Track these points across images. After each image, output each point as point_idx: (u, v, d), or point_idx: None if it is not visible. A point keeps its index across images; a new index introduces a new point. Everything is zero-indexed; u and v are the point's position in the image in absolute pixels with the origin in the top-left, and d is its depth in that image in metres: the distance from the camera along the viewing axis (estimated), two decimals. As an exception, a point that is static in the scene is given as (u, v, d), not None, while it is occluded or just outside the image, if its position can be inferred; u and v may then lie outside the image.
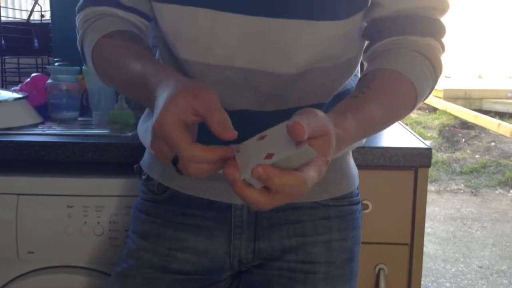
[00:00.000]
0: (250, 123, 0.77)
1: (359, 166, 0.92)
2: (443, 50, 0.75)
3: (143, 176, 0.88)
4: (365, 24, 0.77)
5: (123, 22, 0.77)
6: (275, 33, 0.71)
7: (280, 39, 0.72)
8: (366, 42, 0.79)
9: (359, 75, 0.87)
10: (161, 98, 0.58)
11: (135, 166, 0.91)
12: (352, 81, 0.83)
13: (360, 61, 0.81)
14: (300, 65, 0.74)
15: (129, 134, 1.12)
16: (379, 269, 1.12)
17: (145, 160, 0.89)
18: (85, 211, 1.05)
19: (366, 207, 1.09)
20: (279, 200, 0.54)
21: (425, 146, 1.07)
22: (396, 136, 1.17)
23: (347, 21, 0.73)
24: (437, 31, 0.74)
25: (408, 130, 1.24)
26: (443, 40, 0.75)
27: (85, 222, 1.05)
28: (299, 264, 0.82)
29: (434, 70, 0.74)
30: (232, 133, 0.56)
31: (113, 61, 0.73)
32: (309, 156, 0.54)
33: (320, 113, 0.57)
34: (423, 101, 0.76)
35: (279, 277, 0.83)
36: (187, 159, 0.55)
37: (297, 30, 0.71)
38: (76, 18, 0.80)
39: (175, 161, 0.58)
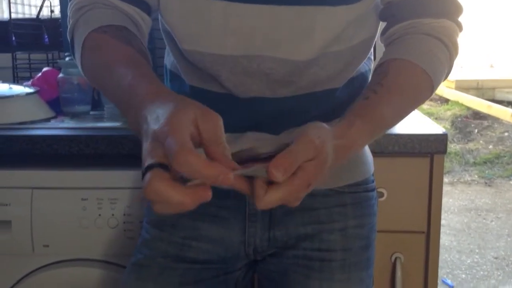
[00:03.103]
0: (263, 110, 0.76)
1: (373, 153, 0.91)
2: (460, 29, 0.74)
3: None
4: (381, 6, 0.76)
5: (117, 15, 0.71)
6: (289, 21, 0.71)
7: (294, 26, 0.71)
8: (382, 24, 0.78)
9: (373, 58, 0.86)
10: (164, 111, 0.51)
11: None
12: (366, 65, 0.82)
13: (374, 43, 0.80)
14: (314, 51, 0.73)
15: (141, 126, 1.11)
16: (396, 258, 1.11)
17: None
18: (99, 204, 1.05)
19: (381, 195, 1.08)
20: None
21: (441, 132, 1.05)
22: (411, 122, 1.15)
23: (360, 4, 0.72)
24: (452, 10, 0.73)
25: (423, 116, 1.22)
26: (460, 19, 0.74)
27: (100, 215, 1.05)
28: (315, 252, 0.82)
29: (449, 54, 0.73)
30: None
31: (99, 65, 0.67)
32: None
33: (317, 133, 0.56)
34: (439, 85, 0.74)
35: (295, 265, 0.82)
36: (179, 162, 0.47)
37: (311, 17, 0.70)
38: (69, 5, 0.74)
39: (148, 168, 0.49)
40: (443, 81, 0.75)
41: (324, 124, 0.60)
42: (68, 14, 0.74)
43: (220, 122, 0.51)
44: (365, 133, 0.64)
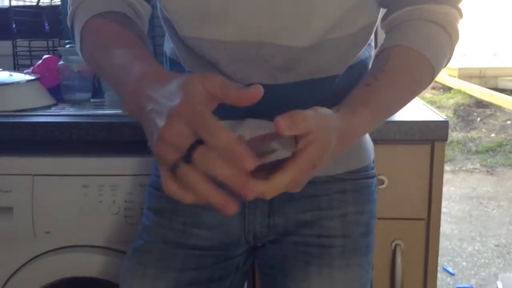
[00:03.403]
0: (263, 96, 0.76)
1: (374, 141, 0.91)
2: (461, 16, 0.74)
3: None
4: None
5: (118, 2, 0.72)
6: (288, 8, 0.70)
7: (293, 13, 0.70)
8: (382, 10, 0.77)
9: (373, 45, 0.86)
10: (172, 86, 0.51)
11: (148, 143, 0.91)
12: (366, 51, 0.82)
13: (374, 30, 0.80)
14: (313, 37, 0.73)
15: (142, 113, 1.11)
16: (396, 245, 1.11)
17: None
18: (100, 191, 1.06)
19: (381, 182, 1.08)
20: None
21: (442, 119, 1.05)
22: (411, 109, 1.15)
23: None
24: None
25: (424, 104, 1.22)
26: (461, 5, 0.73)
27: (101, 201, 1.06)
28: (314, 238, 0.82)
29: (450, 40, 0.73)
30: (257, 90, 0.51)
31: (99, 49, 0.67)
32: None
33: (322, 113, 0.57)
34: (440, 71, 0.74)
35: (295, 251, 0.82)
36: (216, 142, 0.48)
37: (310, 3, 0.70)
38: None
39: (189, 153, 0.49)
40: (444, 67, 0.74)
41: (328, 109, 0.60)
42: (69, 1, 0.74)
43: (220, 76, 0.52)
44: (367, 120, 0.64)
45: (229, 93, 0.51)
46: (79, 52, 0.72)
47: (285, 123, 0.52)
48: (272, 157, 0.55)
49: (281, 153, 0.55)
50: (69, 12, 0.74)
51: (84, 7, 0.72)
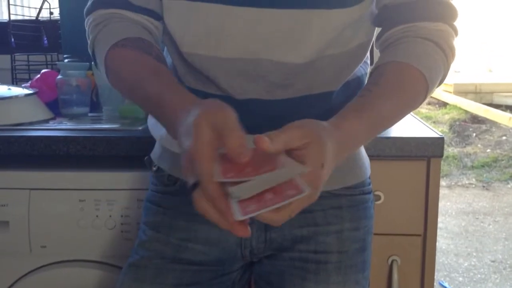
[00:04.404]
0: (259, 112, 0.77)
1: (370, 157, 0.91)
2: (456, 34, 0.75)
3: (154, 168, 0.88)
4: (376, 11, 0.77)
5: (133, 26, 0.76)
6: (285, 24, 0.71)
7: (290, 29, 0.72)
8: (377, 29, 0.78)
9: (369, 62, 0.87)
10: (189, 125, 0.58)
11: (145, 158, 0.91)
12: (362, 68, 0.82)
13: (370, 47, 0.81)
14: (310, 54, 0.74)
15: (139, 128, 1.12)
16: (392, 261, 1.11)
17: (156, 152, 0.89)
18: (96, 205, 1.06)
19: (378, 198, 1.08)
20: (284, 214, 0.57)
21: (438, 136, 1.06)
22: (407, 125, 1.16)
23: (357, 7, 0.73)
24: (448, 14, 0.73)
25: (419, 120, 1.23)
26: (456, 23, 0.74)
27: (97, 216, 1.06)
28: (311, 254, 0.82)
29: (446, 57, 0.73)
30: (245, 159, 0.55)
31: (126, 79, 0.73)
32: (297, 171, 0.56)
33: (306, 122, 0.59)
34: (435, 88, 0.75)
35: (291, 267, 0.82)
36: (206, 194, 0.55)
37: (307, 20, 0.71)
38: (85, 21, 0.79)
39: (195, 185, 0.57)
40: (439, 85, 0.75)
41: (319, 121, 0.62)
42: (86, 30, 0.79)
43: (231, 114, 0.57)
44: (360, 127, 0.65)
45: (226, 144, 0.55)
46: (104, 78, 0.77)
47: (264, 139, 0.55)
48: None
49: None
50: (88, 41, 0.78)
51: (103, 36, 0.75)
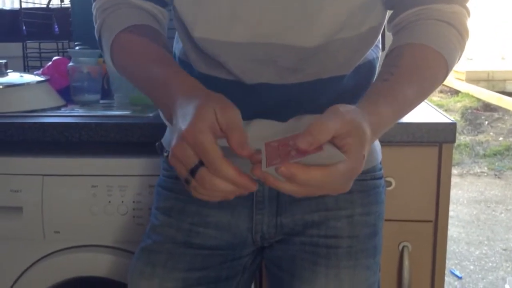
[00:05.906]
0: (270, 96, 0.77)
1: (381, 142, 0.91)
2: (469, 15, 0.74)
3: (165, 153, 0.88)
4: None
5: (140, 13, 0.77)
6: (296, 8, 0.71)
7: (301, 13, 0.71)
8: (389, 12, 0.77)
9: (380, 46, 0.86)
10: (190, 107, 0.59)
11: (156, 143, 0.91)
12: (373, 52, 0.82)
13: (382, 31, 0.80)
14: (321, 37, 0.73)
15: (151, 115, 1.12)
16: (403, 247, 1.11)
17: (167, 137, 0.90)
18: (109, 191, 1.07)
19: (389, 184, 1.08)
20: (311, 191, 0.58)
21: (449, 121, 1.05)
22: (419, 111, 1.15)
23: None
24: None
25: (431, 106, 1.22)
26: (468, 4, 0.74)
27: (109, 202, 1.07)
28: (321, 238, 0.82)
29: (461, 38, 0.73)
30: (248, 151, 0.57)
31: (132, 63, 0.74)
32: (336, 159, 0.56)
33: (344, 109, 0.59)
34: (453, 68, 0.74)
35: (302, 252, 0.83)
36: (214, 170, 0.56)
37: (317, 3, 0.71)
38: (93, 6, 0.80)
39: (193, 172, 0.58)
40: (456, 63, 0.74)
41: (348, 105, 0.61)
42: (93, 14, 0.80)
43: (236, 113, 0.59)
44: (389, 112, 0.65)
45: (231, 139, 0.57)
46: (109, 62, 0.78)
47: (306, 142, 0.55)
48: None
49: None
50: (95, 26, 0.79)
51: (110, 22, 0.77)
